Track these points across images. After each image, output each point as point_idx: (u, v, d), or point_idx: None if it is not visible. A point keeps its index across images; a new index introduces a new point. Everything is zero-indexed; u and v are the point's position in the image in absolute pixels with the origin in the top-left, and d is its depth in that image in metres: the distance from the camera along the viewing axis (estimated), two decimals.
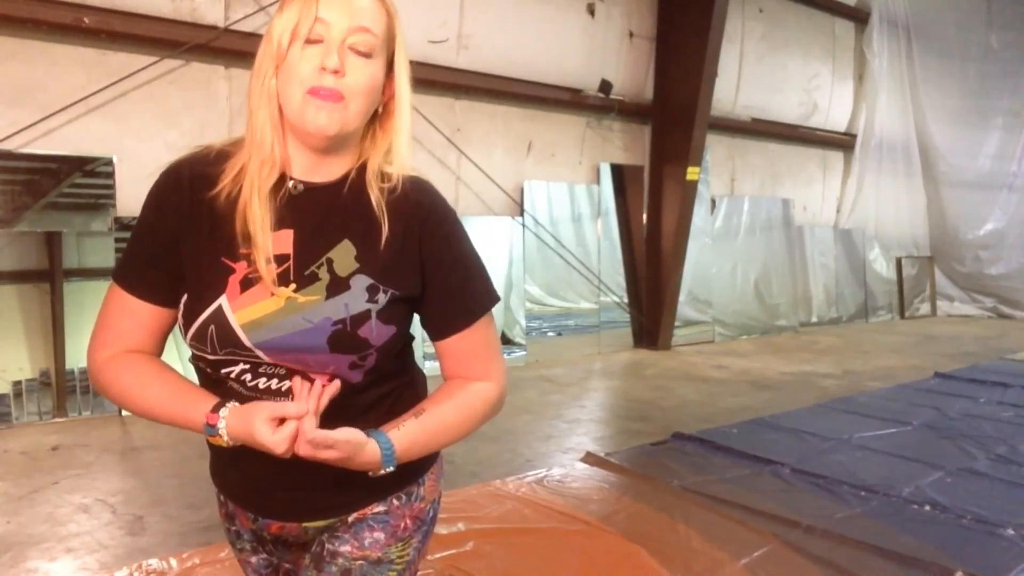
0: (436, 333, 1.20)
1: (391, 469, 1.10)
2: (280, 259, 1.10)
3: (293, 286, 1.10)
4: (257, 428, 1.03)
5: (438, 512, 1.32)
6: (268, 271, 1.09)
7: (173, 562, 2.72)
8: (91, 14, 4.59)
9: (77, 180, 4.68)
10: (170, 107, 5.02)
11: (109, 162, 4.76)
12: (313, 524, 1.21)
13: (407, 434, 1.13)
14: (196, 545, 2.85)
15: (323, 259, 1.11)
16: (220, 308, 1.09)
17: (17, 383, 4.43)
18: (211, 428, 1.07)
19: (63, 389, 4.56)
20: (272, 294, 1.10)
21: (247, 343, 1.09)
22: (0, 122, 4.41)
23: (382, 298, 1.12)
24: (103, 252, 4.75)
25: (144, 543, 2.92)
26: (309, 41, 1.06)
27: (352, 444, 1.04)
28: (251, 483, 1.20)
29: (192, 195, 1.11)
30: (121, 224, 4.76)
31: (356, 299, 1.11)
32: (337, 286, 1.11)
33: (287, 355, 1.11)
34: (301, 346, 1.10)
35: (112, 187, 4.75)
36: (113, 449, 4.07)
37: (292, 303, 1.10)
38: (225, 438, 1.07)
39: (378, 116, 1.15)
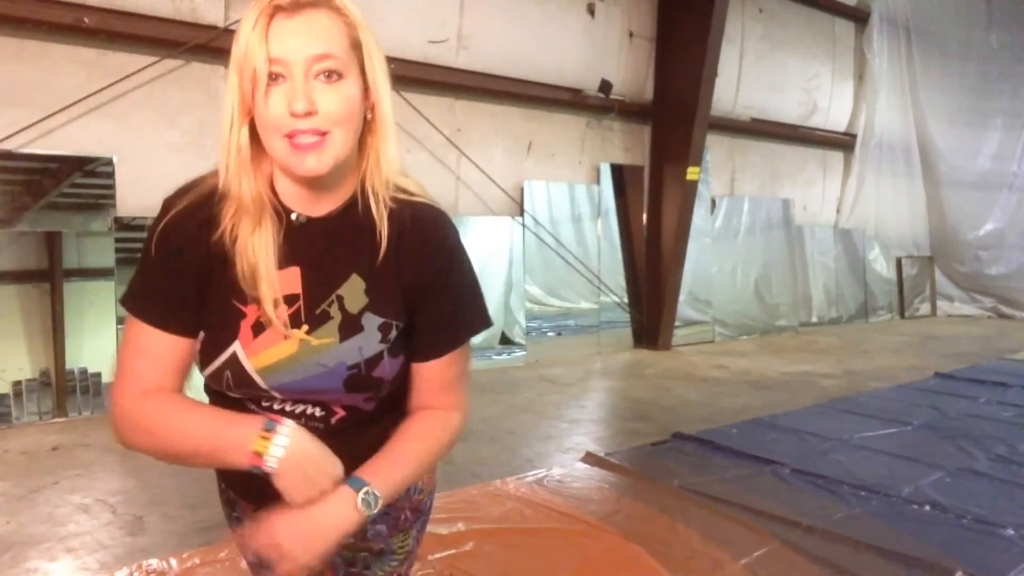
0: (422, 356, 1.17)
1: (374, 511, 1.08)
2: (290, 299, 1.08)
3: (305, 327, 1.09)
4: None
5: (433, 502, 1.34)
6: (277, 315, 1.07)
7: (173, 562, 2.71)
8: (91, 14, 4.58)
9: (77, 180, 4.68)
10: (170, 107, 5.02)
11: (109, 162, 4.76)
12: None
13: (385, 476, 1.10)
14: (196, 545, 2.85)
15: (333, 296, 1.09)
16: (235, 355, 1.08)
17: (17, 383, 4.43)
18: (259, 456, 1.04)
19: (63, 389, 4.56)
20: (285, 337, 1.08)
21: (263, 385, 1.10)
22: (0, 122, 4.41)
23: (393, 334, 1.12)
24: (103, 252, 4.75)
25: (144, 543, 2.92)
26: (272, 79, 1.00)
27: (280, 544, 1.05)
28: (252, 477, 1.20)
29: (203, 237, 1.07)
30: (121, 224, 4.76)
31: (370, 341, 1.10)
32: (350, 326, 1.09)
33: (303, 394, 1.11)
34: (317, 388, 1.10)
35: (112, 187, 4.75)
36: (113, 449, 4.06)
37: (306, 345, 1.09)
38: (273, 461, 1.03)
39: (367, 123, 1.09)
